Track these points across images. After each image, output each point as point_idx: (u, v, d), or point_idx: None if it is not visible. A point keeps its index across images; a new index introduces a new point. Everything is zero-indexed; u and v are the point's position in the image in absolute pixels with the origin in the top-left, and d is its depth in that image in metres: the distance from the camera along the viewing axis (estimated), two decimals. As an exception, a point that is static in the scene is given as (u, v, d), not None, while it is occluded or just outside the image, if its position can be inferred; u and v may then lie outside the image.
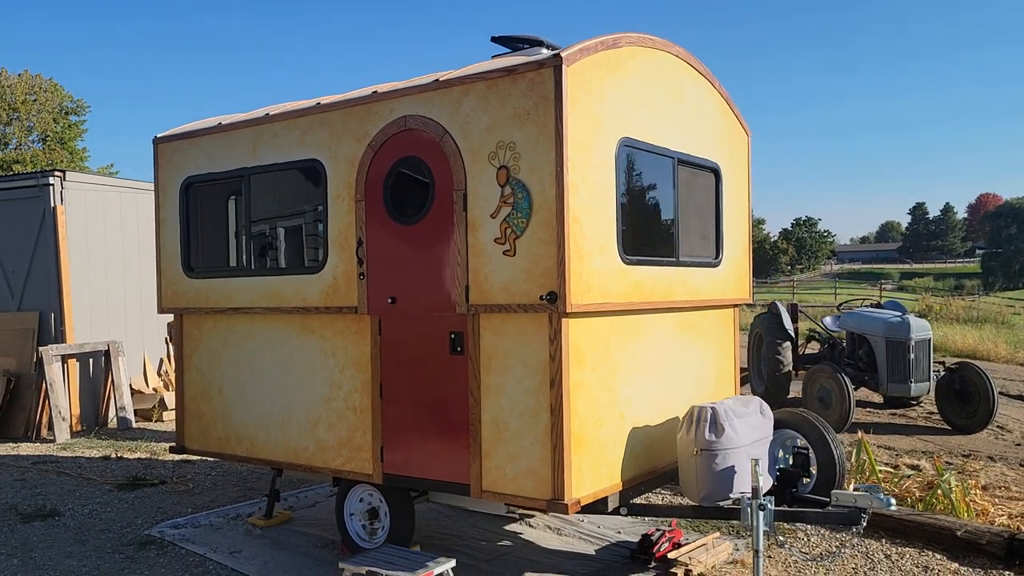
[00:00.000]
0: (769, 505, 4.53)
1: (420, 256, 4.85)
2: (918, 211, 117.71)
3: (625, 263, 4.71)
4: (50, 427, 9.95)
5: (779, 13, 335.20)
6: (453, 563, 4.52)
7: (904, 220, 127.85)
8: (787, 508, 5.00)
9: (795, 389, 11.07)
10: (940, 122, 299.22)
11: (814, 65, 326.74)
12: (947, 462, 7.83)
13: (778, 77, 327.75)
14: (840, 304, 12.42)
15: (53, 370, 9.89)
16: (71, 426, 10.11)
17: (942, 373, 9.98)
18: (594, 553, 5.55)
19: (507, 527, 6.05)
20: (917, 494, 6.39)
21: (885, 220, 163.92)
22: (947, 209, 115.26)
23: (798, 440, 5.47)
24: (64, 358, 10.18)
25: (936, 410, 10.14)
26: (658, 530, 5.43)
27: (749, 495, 4.55)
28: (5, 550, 5.83)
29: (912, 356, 9.78)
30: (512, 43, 5.13)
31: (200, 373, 6.15)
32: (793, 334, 11.10)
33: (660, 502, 6.49)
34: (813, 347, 12.30)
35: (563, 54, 4.26)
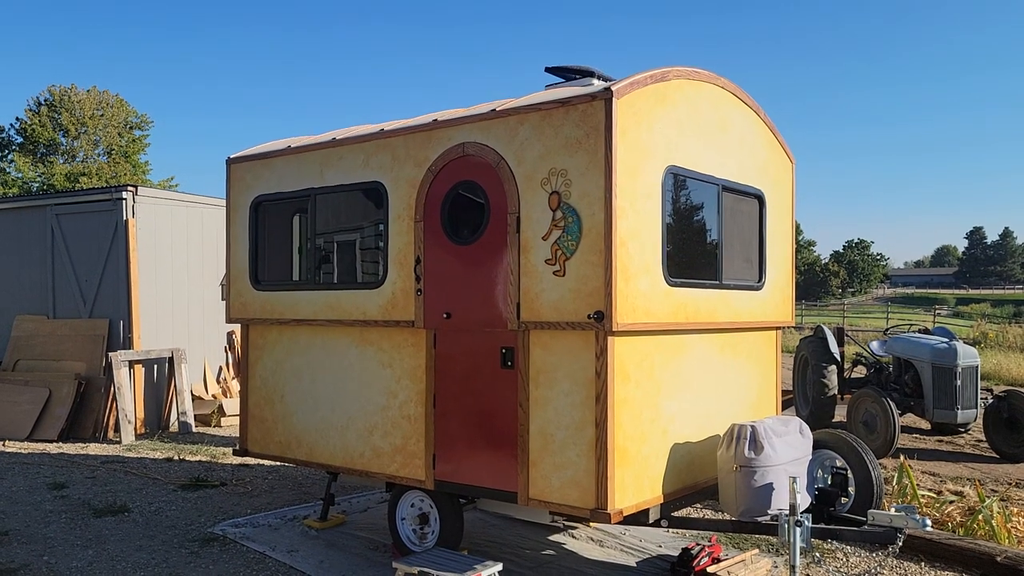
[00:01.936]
0: (806, 522, 4.67)
1: (474, 274, 5.13)
2: (976, 235, 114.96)
3: (670, 285, 4.93)
4: (116, 429, 10.46)
5: (834, 29, 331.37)
6: (500, 567, 4.74)
7: (961, 244, 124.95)
8: (823, 525, 5.13)
9: (840, 413, 11.07)
10: (1000, 143, 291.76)
11: (869, 82, 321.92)
12: (992, 489, 7.82)
13: (832, 94, 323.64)
14: (887, 329, 12.38)
15: (121, 375, 10.42)
16: (135, 429, 10.62)
17: (990, 400, 9.92)
18: (635, 565, 5.73)
19: (551, 537, 6.26)
20: (958, 519, 6.44)
21: (941, 244, 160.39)
22: (1006, 234, 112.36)
23: (837, 461, 5.60)
24: (131, 364, 10.71)
25: (984, 438, 10.07)
26: (698, 545, 5.59)
27: (787, 512, 4.70)
28: (81, 541, 6.24)
29: (959, 383, 9.75)
30: (565, 73, 5.42)
31: (264, 380, 6.52)
32: (839, 358, 11.12)
33: (700, 516, 6.63)
34: (859, 371, 12.27)
35: (614, 87, 4.52)
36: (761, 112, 5.88)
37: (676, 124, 5.02)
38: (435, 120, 5.37)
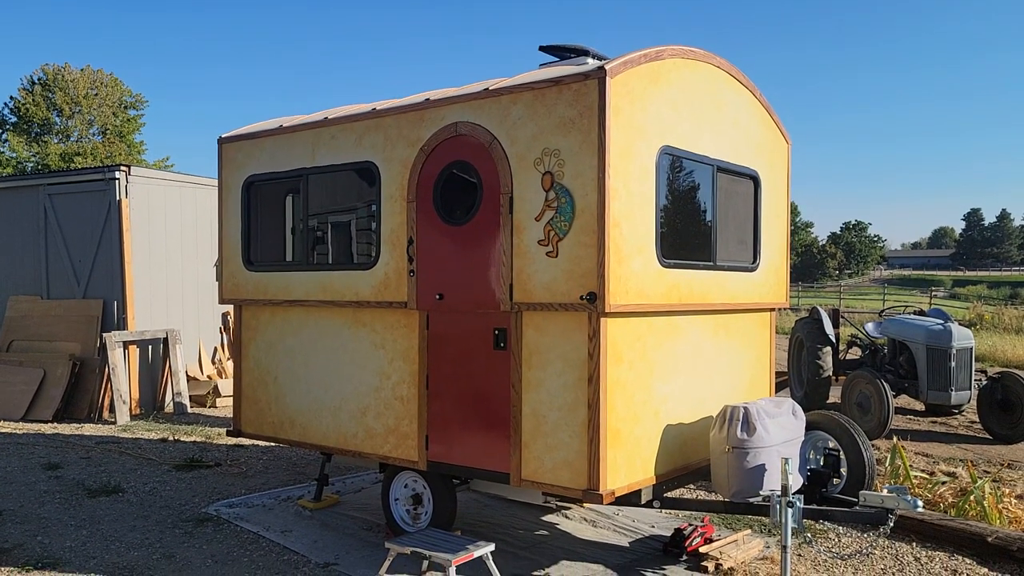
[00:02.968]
0: (798, 503, 4.68)
1: (467, 255, 5.10)
2: (973, 217, 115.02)
3: (663, 266, 4.91)
4: (111, 409, 10.46)
5: (832, 12, 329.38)
6: (492, 547, 4.74)
7: (958, 226, 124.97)
8: (815, 506, 5.14)
9: (835, 395, 11.09)
10: (997, 126, 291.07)
11: (868, 66, 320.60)
12: (985, 471, 7.85)
13: (832, 79, 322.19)
14: (882, 310, 12.39)
15: (115, 355, 10.39)
16: (130, 409, 10.62)
17: (984, 382, 9.94)
18: (628, 545, 5.75)
19: (544, 518, 6.28)
20: (950, 500, 6.46)
21: (938, 226, 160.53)
22: (1004, 216, 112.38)
23: (829, 442, 5.61)
24: (126, 344, 10.68)
25: (978, 419, 10.11)
26: (690, 525, 5.61)
27: (778, 492, 4.71)
28: (75, 521, 6.24)
29: (953, 364, 9.76)
30: (559, 52, 5.36)
31: (257, 361, 6.50)
32: (834, 339, 11.12)
33: (692, 497, 6.65)
34: (854, 353, 12.28)
35: (607, 66, 4.47)
36: (757, 92, 5.83)
37: (670, 104, 4.97)
38: (427, 99, 5.32)
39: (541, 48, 5.42)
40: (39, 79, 44.00)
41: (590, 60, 4.99)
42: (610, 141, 4.46)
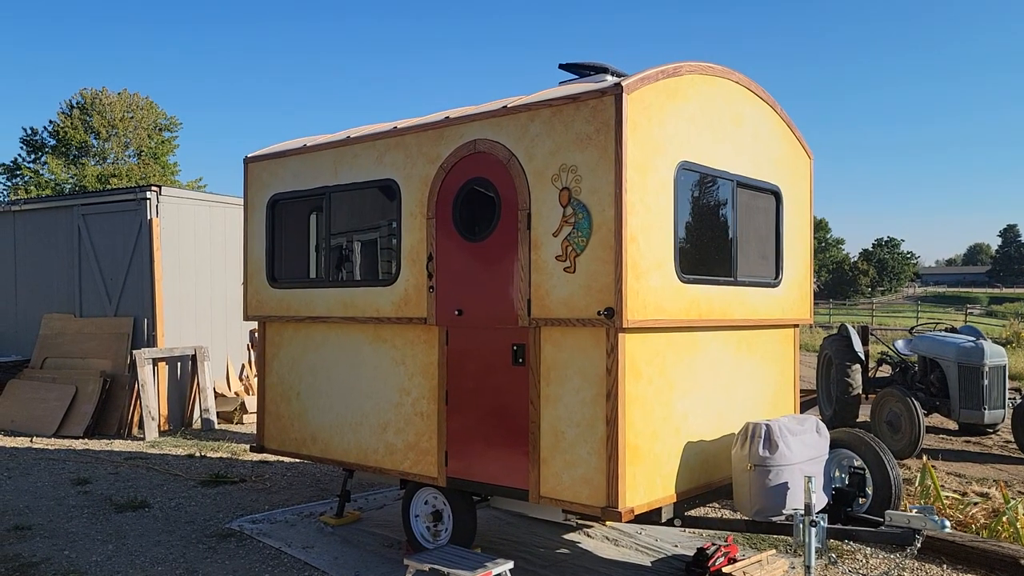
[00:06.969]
0: (821, 522, 4.60)
1: (486, 271, 5.12)
2: (1009, 233, 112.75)
3: (682, 281, 4.88)
4: (140, 425, 10.60)
5: (864, 24, 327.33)
6: (511, 565, 4.71)
7: (994, 242, 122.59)
8: (839, 526, 5.05)
9: (864, 413, 10.90)
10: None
11: (898, 79, 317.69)
12: (1019, 491, 7.66)
13: (864, 92, 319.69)
14: (913, 327, 12.19)
15: (145, 372, 10.54)
16: (159, 425, 10.75)
17: (1018, 400, 9.71)
18: (649, 565, 5.69)
19: (565, 536, 6.24)
20: (982, 521, 6.31)
21: (974, 242, 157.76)
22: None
23: (855, 460, 5.51)
24: (155, 361, 10.84)
25: (1013, 439, 9.87)
26: (714, 545, 5.53)
27: (801, 511, 4.63)
28: (101, 536, 6.32)
29: (986, 382, 9.55)
30: (578, 69, 5.39)
31: (280, 377, 6.56)
32: (863, 357, 10.95)
33: (717, 516, 6.56)
34: (885, 371, 12.07)
35: (624, 83, 4.49)
36: (777, 107, 5.81)
37: (688, 119, 4.97)
38: (447, 117, 5.37)
39: (561, 66, 5.46)
40: (77, 103, 45.04)
41: (609, 77, 5.01)
42: (627, 157, 4.47)
